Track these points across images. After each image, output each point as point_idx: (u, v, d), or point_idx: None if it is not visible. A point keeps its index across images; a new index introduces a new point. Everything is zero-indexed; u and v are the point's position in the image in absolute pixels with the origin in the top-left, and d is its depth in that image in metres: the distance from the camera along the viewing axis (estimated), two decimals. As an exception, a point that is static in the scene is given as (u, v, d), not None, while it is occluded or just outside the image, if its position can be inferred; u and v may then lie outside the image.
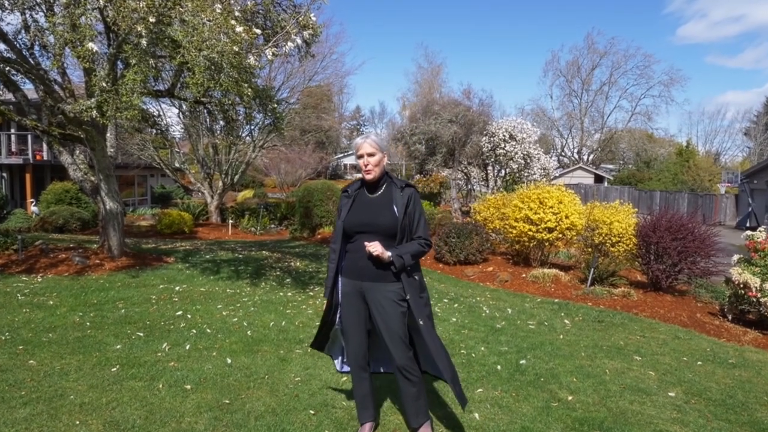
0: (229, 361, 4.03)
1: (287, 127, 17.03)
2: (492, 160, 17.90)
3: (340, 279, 2.87)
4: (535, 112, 46.44)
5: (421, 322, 2.69)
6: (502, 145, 17.16)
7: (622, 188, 28.98)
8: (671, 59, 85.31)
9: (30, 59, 7.07)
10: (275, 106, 6.96)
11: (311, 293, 6.64)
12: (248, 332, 4.81)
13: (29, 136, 17.86)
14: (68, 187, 15.61)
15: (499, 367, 4.14)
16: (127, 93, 5.45)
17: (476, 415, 3.25)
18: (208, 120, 17.53)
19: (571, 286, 7.70)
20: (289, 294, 6.52)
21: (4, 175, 18.36)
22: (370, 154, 2.74)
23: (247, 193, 26.19)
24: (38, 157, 18.42)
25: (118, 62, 6.53)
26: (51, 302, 5.61)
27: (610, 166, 46.33)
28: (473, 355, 4.43)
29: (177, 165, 19.82)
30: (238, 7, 5.63)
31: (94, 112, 5.84)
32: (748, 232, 6.46)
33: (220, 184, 18.91)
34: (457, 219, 14.86)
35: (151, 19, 5.07)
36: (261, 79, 11.40)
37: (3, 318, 4.99)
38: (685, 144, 40.18)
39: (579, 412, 3.38)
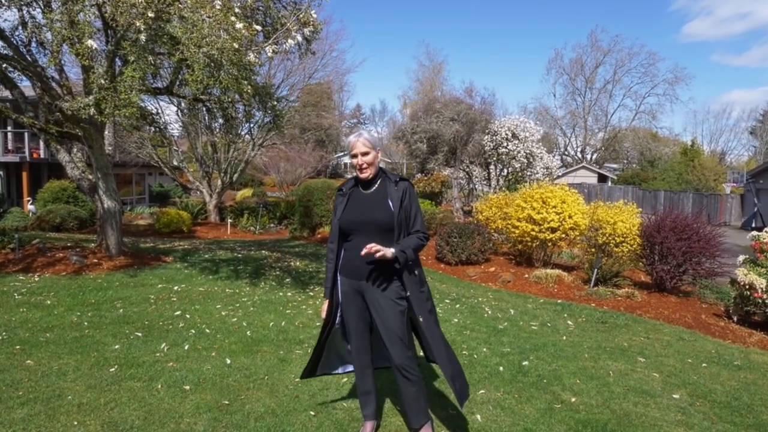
0: (228, 361, 3.99)
1: (287, 125, 16.97)
2: (494, 159, 17.84)
3: (339, 278, 2.85)
4: (538, 111, 46.01)
5: (421, 319, 2.69)
6: (505, 144, 17.09)
7: (626, 188, 28.78)
8: (676, 57, 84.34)
9: (27, 56, 7.00)
10: (275, 103, 6.92)
11: (311, 293, 6.59)
12: (248, 332, 4.77)
13: (26, 134, 17.72)
14: (65, 186, 15.52)
15: (501, 368, 4.10)
16: (125, 90, 5.40)
17: (478, 416, 3.22)
18: (207, 118, 17.45)
19: (574, 287, 7.65)
20: (289, 294, 6.47)
21: (1, 173, 18.23)
22: (364, 153, 2.70)
23: (246, 192, 26.14)
24: (35, 155, 18.29)
25: (117, 59, 6.48)
26: (48, 302, 5.57)
27: (614, 166, 46.01)
28: (475, 356, 4.39)
29: (175, 163, 19.69)
30: (238, 4, 5.57)
31: (92, 110, 5.79)
32: (754, 233, 6.41)
33: (219, 182, 18.82)
34: (458, 219, 14.81)
35: (150, 15, 5.02)
36: (260, 76, 11.34)
37: (0, 317, 4.94)
38: (690, 143, 40.09)
39: (582, 414, 3.34)
